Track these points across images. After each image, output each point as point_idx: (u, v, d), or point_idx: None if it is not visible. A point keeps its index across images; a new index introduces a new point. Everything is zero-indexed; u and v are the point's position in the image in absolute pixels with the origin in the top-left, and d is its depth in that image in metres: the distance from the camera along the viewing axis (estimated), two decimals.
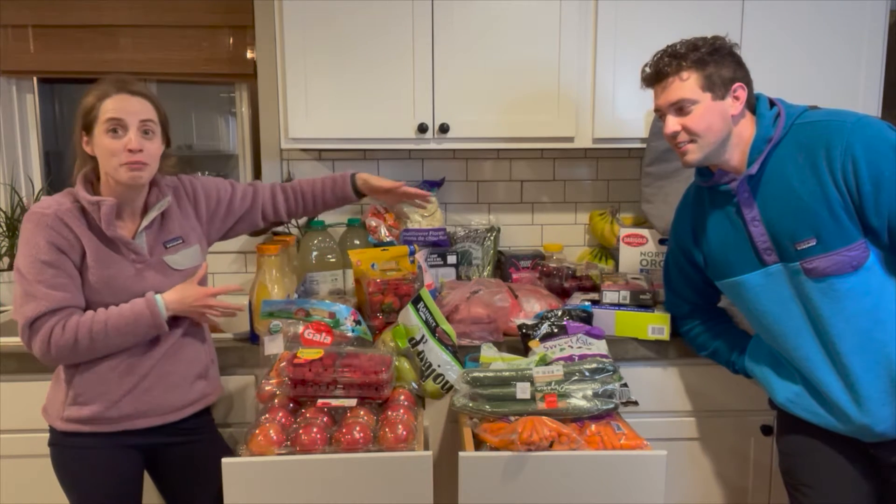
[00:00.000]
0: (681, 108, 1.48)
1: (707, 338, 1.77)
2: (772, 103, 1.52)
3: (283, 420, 1.43)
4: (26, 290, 1.45)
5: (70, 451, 1.55)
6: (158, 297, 1.51)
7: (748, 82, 1.49)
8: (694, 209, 1.67)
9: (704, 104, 1.46)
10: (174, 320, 1.58)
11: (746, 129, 1.50)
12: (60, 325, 1.45)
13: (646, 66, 1.55)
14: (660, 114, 1.54)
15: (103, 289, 1.50)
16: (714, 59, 1.46)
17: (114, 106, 1.46)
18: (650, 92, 2.14)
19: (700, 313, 1.79)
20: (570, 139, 2.20)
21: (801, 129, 1.45)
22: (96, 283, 1.49)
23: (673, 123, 1.50)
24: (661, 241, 2.19)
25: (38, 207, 1.49)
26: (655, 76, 1.52)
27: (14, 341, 1.88)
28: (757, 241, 1.50)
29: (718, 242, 1.59)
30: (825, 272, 1.42)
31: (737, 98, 1.47)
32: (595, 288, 2.14)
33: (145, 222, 1.56)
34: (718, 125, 1.47)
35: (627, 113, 2.18)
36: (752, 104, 1.51)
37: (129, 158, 1.46)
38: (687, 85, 1.46)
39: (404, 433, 1.37)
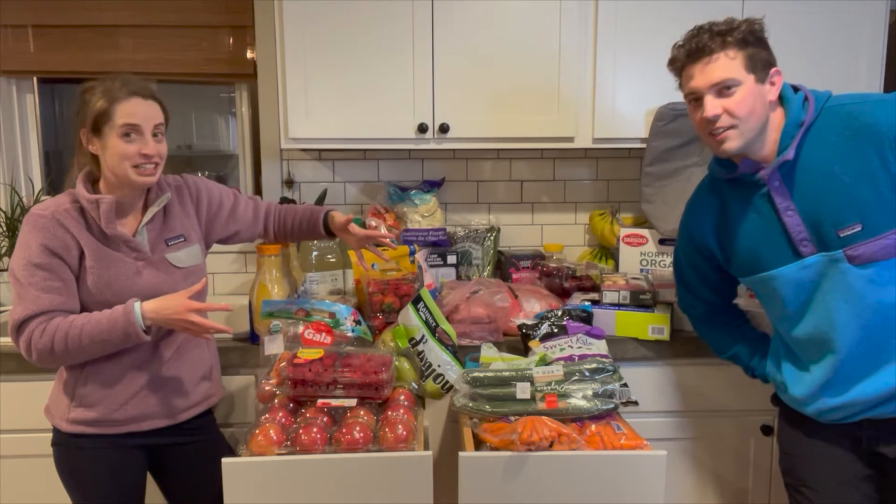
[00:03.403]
0: (722, 90, 1.37)
1: (727, 342, 1.71)
2: (794, 89, 1.46)
3: (283, 420, 1.43)
4: (17, 293, 1.45)
5: (74, 452, 1.55)
6: (137, 304, 1.45)
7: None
8: (712, 203, 1.57)
9: (748, 86, 1.37)
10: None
11: (777, 117, 1.42)
12: (41, 329, 1.43)
13: (679, 43, 1.43)
14: (693, 96, 1.42)
15: (104, 289, 1.49)
16: (754, 40, 1.37)
17: (130, 110, 1.46)
18: (650, 92, 2.17)
19: (717, 314, 1.72)
20: (570, 139, 2.20)
21: (835, 112, 1.39)
22: (96, 283, 1.49)
23: (714, 105, 1.38)
24: (661, 241, 2.19)
25: (37, 209, 1.49)
26: (696, 52, 1.39)
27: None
28: (792, 233, 1.42)
29: (745, 237, 1.50)
30: (872, 258, 1.35)
31: (773, 84, 1.40)
32: (595, 288, 2.14)
33: (146, 218, 1.56)
34: (760, 110, 1.38)
35: (627, 113, 2.18)
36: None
37: (142, 161, 1.47)
38: (734, 64, 1.36)
39: (404, 433, 1.37)
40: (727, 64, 1.37)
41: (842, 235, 1.37)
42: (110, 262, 1.50)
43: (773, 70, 1.41)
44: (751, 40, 1.38)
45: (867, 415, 1.45)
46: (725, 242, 1.56)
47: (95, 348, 1.45)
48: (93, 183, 1.54)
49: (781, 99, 1.45)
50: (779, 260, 1.45)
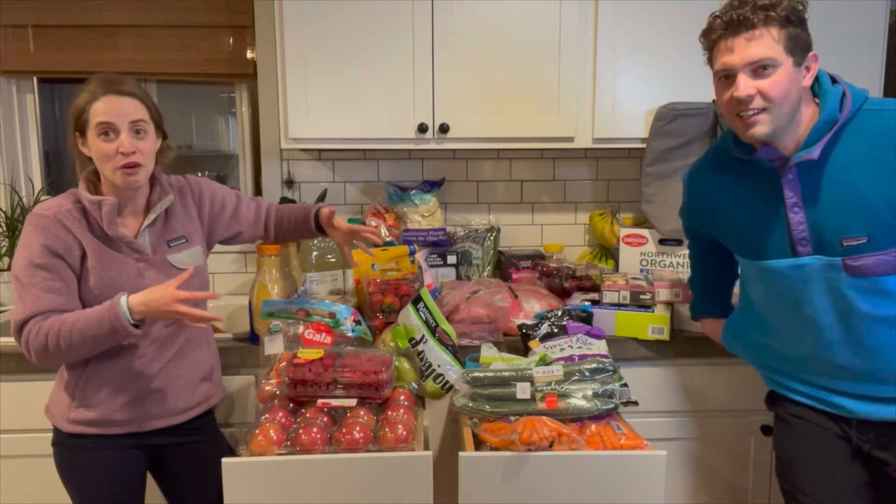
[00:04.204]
0: (759, 70, 1.30)
1: (699, 273, 1.76)
2: (832, 79, 1.39)
3: (283, 420, 1.43)
4: (19, 293, 1.45)
5: (74, 452, 1.55)
6: (123, 298, 1.41)
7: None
8: (715, 176, 1.52)
9: (786, 68, 1.29)
10: (178, 325, 1.58)
11: (809, 109, 1.36)
12: (36, 328, 1.42)
13: (716, 13, 1.34)
14: (724, 73, 1.34)
15: (106, 290, 1.48)
16: (797, 19, 1.30)
17: (103, 108, 1.44)
18: (650, 92, 2.17)
19: (711, 253, 1.70)
20: (570, 139, 2.20)
21: (872, 117, 1.33)
22: (98, 284, 1.48)
23: (748, 85, 1.30)
24: (662, 241, 2.19)
25: (39, 209, 1.49)
26: (736, 25, 1.29)
27: (14, 341, 1.88)
28: (794, 230, 1.38)
29: (744, 221, 1.47)
30: (869, 272, 1.33)
31: (808, 69, 1.34)
32: (595, 288, 2.14)
33: (147, 221, 1.56)
34: (794, 95, 1.31)
35: (627, 113, 2.18)
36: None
37: (123, 161, 1.45)
38: (776, 43, 1.28)
39: (404, 433, 1.37)
40: (769, 42, 1.28)
41: (845, 244, 1.34)
42: (112, 264, 1.50)
43: (810, 54, 1.34)
44: (793, 19, 1.30)
45: (855, 408, 1.43)
46: (723, 220, 1.52)
47: (87, 345, 1.43)
48: (94, 183, 1.54)
49: (815, 88, 1.39)
50: (772, 252, 1.43)
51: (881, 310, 1.36)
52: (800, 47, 1.31)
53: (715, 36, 1.35)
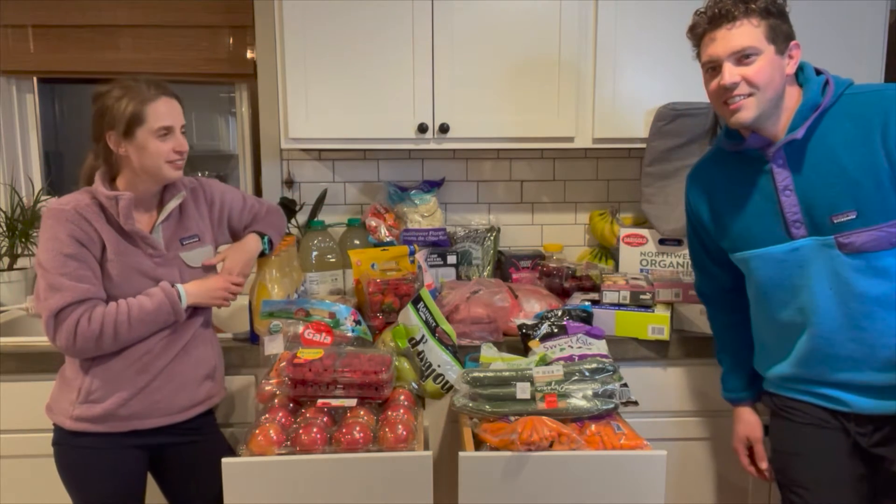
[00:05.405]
0: (742, 58, 1.37)
1: (722, 344, 1.69)
2: (817, 71, 1.46)
3: (283, 420, 1.43)
4: (50, 283, 1.47)
5: (76, 451, 1.56)
6: (179, 286, 1.57)
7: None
8: (713, 172, 1.58)
9: (767, 56, 1.37)
10: (188, 318, 1.62)
11: (792, 94, 1.43)
12: (86, 316, 1.47)
13: (701, 10, 1.42)
14: (711, 64, 1.42)
15: (123, 283, 1.53)
16: (776, 11, 1.38)
17: (162, 112, 1.52)
18: (650, 92, 2.17)
19: (724, 304, 1.68)
20: (570, 139, 2.20)
21: (853, 99, 1.40)
22: (117, 275, 1.52)
23: (733, 73, 1.37)
24: (662, 241, 2.19)
25: (57, 204, 1.52)
26: (718, 18, 1.38)
27: (14, 341, 1.88)
28: (787, 213, 1.43)
29: (741, 211, 1.50)
30: (862, 248, 1.36)
31: (791, 57, 1.41)
32: (595, 288, 2.14)
33: (162, 216, 1.59)
34: (778, 82, 1.39)
35: (627, 113, 2.18)
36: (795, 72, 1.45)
37: (175, 158, 1.54)
38: (757, 32, 1.35)
39: (404, 433, 1.37)
40: (750, 31, 1.36)
41: (835, 221, 1.38)
42: (129, 257, 1.54)
43: (792, 43, 1.41)
44: (773, 11, 1.37)
45: (853, 402, 1.44)
46: (721, 214, 1.55)
47: (140, 331, 1.53)
48: (110, 181, 1.57)
49: (800, 78, 1.44)
50: (769, 239, 1.47)
51: (879, 290, 1.38)
52: (781, 36, 1.38)
53: (700, 30, 1.42)
